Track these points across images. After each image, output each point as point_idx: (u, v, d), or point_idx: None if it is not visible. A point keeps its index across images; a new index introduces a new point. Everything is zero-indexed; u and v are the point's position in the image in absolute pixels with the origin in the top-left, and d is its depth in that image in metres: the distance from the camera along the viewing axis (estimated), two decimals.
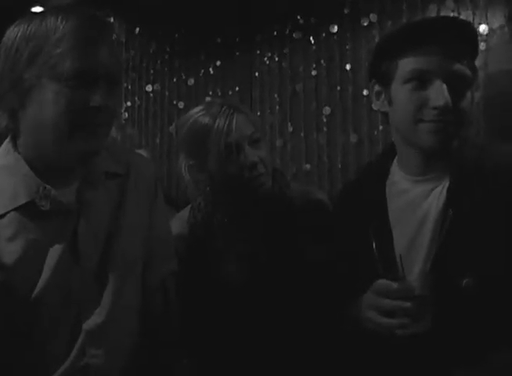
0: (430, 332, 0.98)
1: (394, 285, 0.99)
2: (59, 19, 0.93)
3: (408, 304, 0.97)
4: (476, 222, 1.04)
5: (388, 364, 1.08)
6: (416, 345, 1.01)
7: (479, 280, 1.00)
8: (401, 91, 1.09)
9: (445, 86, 1.03)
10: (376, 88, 1.17)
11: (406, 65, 1.07)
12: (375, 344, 1.07)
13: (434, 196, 1.11)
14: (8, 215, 0.95)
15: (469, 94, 1.07)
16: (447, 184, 1.10)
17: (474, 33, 1.11)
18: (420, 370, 1.05)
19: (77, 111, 0.93)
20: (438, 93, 1.03)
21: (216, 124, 1.35)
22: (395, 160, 1.22)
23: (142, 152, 1.97)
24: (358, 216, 1.20)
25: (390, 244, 1.11)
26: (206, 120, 1.35)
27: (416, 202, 1.13)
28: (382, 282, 1.02)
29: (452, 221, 1.04)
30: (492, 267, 1.01)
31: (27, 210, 0.96)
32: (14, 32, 0.95)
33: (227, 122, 1.34)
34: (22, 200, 0.96)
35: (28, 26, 0.94)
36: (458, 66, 1.05)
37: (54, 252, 0.97)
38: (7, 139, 1.02)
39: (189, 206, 1.51)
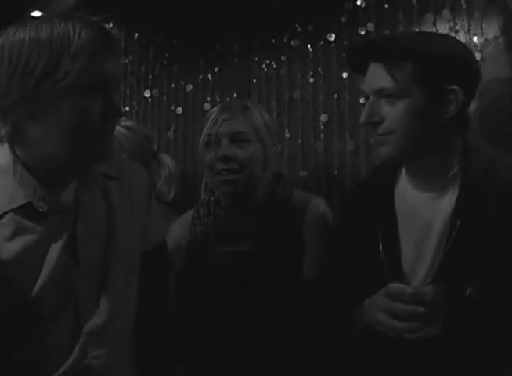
0: (438, 338, 1.00)
1: (409, 289, 1.00)
2: (71, 30, 0.93)
3: (421, 309, 0.98)
4: (483, 233, 1.05)
5: (392, 368, 1.10)
6: (422, 350, 1.02)
7: (483, 290, 1.01)
8: None
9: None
10: None
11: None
12: (379, 347, 1.09)
13: (441, 203, 1.12)
14: (6, 215, 0.97)
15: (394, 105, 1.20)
16: (455, 192, 1.11)
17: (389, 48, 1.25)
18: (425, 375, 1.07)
19: (95, 120, 0.96)
20: None
21: (210, 117, 1.43)
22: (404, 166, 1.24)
23: (167, 156, 2.03)
24: (366, 220, 1.21)
25: (397, 250, 1.12)
26: (209, 113, 1.45)
27: (422, 209, 1.14)
28: (396, 286, 1.02)
29: (460, 231, 1.05)
30: (496, 278, 1.02)
31: (25, 211, 0.98)
32: (16, 38, 0.93)
33: (218, 116, 1.41)
34: (19, 202, 0.98)
35: (36, 34, 0.92)
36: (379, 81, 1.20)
37: (53, 251, 0.98)
38: (4, 143, 1.03)
39: (193, 208, 1.54)
